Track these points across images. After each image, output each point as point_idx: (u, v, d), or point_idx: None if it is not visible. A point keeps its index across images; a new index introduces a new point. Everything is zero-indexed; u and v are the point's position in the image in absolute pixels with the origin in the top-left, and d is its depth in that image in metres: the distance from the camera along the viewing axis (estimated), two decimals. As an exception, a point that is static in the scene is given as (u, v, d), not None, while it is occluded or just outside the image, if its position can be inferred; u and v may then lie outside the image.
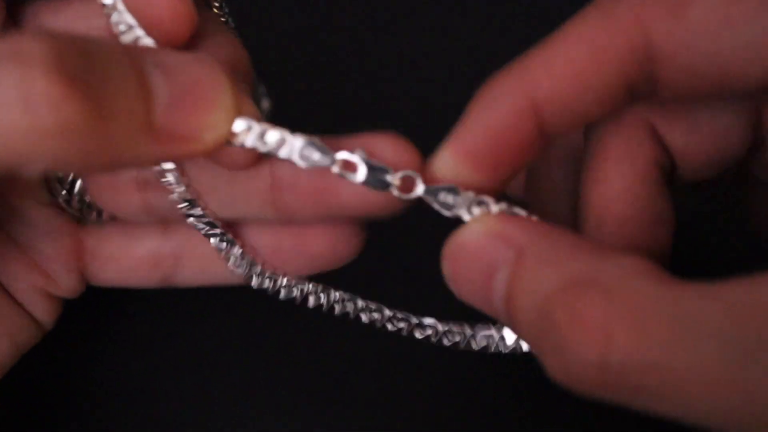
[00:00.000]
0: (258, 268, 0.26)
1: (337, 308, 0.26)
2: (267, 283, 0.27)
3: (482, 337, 0.25)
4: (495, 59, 0.34)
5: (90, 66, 0.19)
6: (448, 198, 0.22)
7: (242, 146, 0.22)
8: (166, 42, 0.23)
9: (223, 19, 0.28)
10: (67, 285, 0.28)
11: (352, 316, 0.26)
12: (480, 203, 0.22)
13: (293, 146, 0.22)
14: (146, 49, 0.21)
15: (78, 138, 0.19)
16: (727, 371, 0.17)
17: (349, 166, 0.22)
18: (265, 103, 0.33)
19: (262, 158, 0.25)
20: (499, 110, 0.22)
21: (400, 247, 0.34)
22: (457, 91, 0.35)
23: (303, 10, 0.38)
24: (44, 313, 0.28)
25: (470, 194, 0.22)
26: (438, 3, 0.37)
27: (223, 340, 0.33)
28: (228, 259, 0.26)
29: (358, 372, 0.32)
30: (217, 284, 0.28)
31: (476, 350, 0.25)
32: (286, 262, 0.27)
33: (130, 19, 0.23)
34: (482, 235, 0.21)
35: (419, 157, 0.23)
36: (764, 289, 0.17)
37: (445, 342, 0.25)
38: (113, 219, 0.29)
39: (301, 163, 0.22)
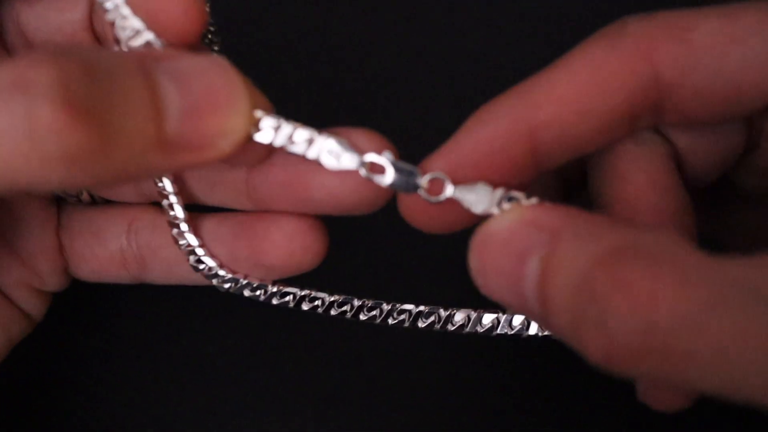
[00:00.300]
0: (218, 270, 0.26)
1: (333, 311, 0.26)
2: (228, 285, 0.26)
3: (488, 318, 0.25)
4: (496, 71, 0.35)
5: (97, 87, 0.19)
6: (479, 197, 0.22)
7: (270, 144, 0.22)
8: (177, 42, 0.22)
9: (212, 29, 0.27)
10: (51, 280, 0.28)
11: (349, 315, 0.26)
12: (511, 200, 0.22)
13: (321, 146, 0.22)
14: (158, 57, 0.21)
15: (85, 163, 0.19)
16: None
17: (376, 168, 0.23)
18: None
19: (272, 155, 0.25)
20: (494, 130, 0.22)
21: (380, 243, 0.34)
22: (453, 103, 0.35)
23: (296, 9, 0.38)
24: (32, 306, 0.28)
25: (501, 191, 0.22)
26: (437, 7, 0.38)
27: (222, 339, 0.32)
28: (189, 259, 0.26)
29: (359, 372, 0.32)
30: (185, 284, 0.28)
31: (481, 332, 0.25)
32: (243, 271, 0.26)
33: (137, 23, 0.22)
34: (514, 222, 0.21)
35: (396, 153, 0.23)
36: None
37: (449, 327, 0.25)
38: (92, 201, 0.29)
39: (328, 164, 0.22)
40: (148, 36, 0.22)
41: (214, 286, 0.27)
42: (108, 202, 0.29)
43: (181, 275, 0.28)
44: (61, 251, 0.28)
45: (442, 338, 0.31)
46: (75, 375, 0.32)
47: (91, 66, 0.19)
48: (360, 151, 0.22)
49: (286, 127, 0.22)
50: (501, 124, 0.22)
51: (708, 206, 0.27)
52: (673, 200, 0.23)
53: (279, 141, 0.22)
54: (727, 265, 0.17)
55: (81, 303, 0.32)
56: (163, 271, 0.28)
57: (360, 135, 0.23)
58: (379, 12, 0.37)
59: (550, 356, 0.19)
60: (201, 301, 0.32)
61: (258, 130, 0.22)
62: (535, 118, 0.22)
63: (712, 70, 0.21)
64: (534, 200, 0.22)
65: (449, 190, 0.22)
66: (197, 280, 0.27)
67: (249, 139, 0.22)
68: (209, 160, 0.21)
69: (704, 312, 0.17)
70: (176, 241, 0.26)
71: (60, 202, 0.29)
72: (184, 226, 0.26)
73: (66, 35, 0.25)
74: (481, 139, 0.22)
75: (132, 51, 0.22)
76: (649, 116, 0.22)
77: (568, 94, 0.22)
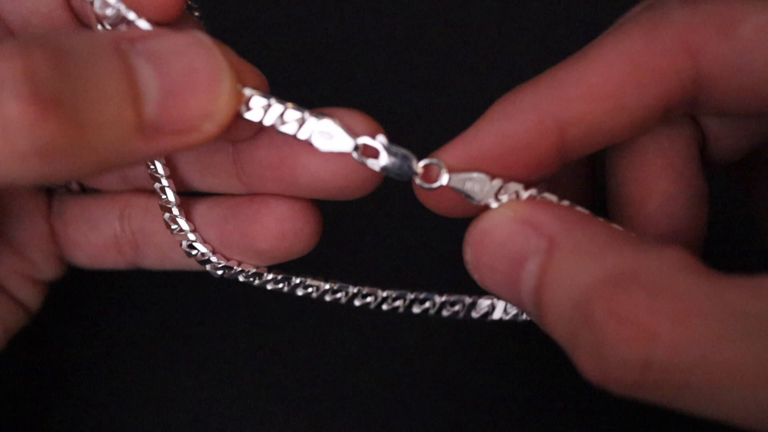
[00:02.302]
0: (211, 256, 0.25)
1: (328, 297, 0.25)
2: (221, 271, 0.25)
3: (483, 304, 0.24)
4: (495, 61, 0.34)
5: (68, 76, 0.18)
6: (475, 186, 0.21)
7: (260, 123, 0.21)
8: (158, 19, 0.22)
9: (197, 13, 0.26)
10: (45, 268, 0.28)
11: (344, 301, 0.25)
12: (509, 191, 0.21)
13: (313, 127, 0.21)
14: (134, 37, 0.20)
15: (62, 155, 0.18)
16: None
17: (369, 152, 0.22)
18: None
19: (260, 132, 0.23)
20: (520, 125, 0.21)
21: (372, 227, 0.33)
22: (451, 96, 0.34)
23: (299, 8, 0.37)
24: (28, 296, 0.28)
25: (498, 182, 0.21)
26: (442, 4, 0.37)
27: (223, 339, 0.32)
28: (181, 243, 0.26)
29: (359, 372, 0.31)
30: (181, 269, 0.28)
31: (476, 318, 0.24)
32: (235, 256, 0.26)
33: (117, 2, 0.21)
34: (510, 221, 0.20)
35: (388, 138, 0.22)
36: None
37: (444, 313, 0.24)
38: (82, 190, 0.28)
39: (319, 146, 0.22)
40: (131, 16, 0.21)
41: (209, 275, 0.26)
42: (98, 191, 0.28)
43: (176, 260, 0.27)
44: (54, 238, 0.28)
45: (441, 335, 0.31)
46: (70, 371, 0.32)
47: (61, 54, 0.18)
48: (353, 133, 0.22)
49: (277, 106, 0.21)
50: (527, 119, 0.21)
51: (736, 180, 0.27)
52: (687, 190, 0.23)
53: (269, 120, 0.21)
54: (732, 294, 0.17)
55: (78, 298, 0.31)
56: (158, 256, 0.27)
57: (351, 117, 0.22)
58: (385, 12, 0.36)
59: (548, 345, 0.19)
60: (200, 296, 0.32)
61: (248, 108, 0.21)
62: (565, 114, 0.21)
63: (759, 70, 0.20)
64: (533, 191, 0.21)
65: (444, 178, 0.21)
66: (192, 265, 0.26)
67: (238, 117, 0.21)
68: (196, 141, 0.20)
69: (704, 348, 0.17)
70: (168, 226, 0.26)
71: (51, 190, 0.28)
72: (175, 211, 0.25)
73: (42, 15, 0.24)
74: (505, 133, 0.21)
75: (107, 32, 0.21)
76: (684, 107, 0.22)
77: (602, 89, 0.21)
